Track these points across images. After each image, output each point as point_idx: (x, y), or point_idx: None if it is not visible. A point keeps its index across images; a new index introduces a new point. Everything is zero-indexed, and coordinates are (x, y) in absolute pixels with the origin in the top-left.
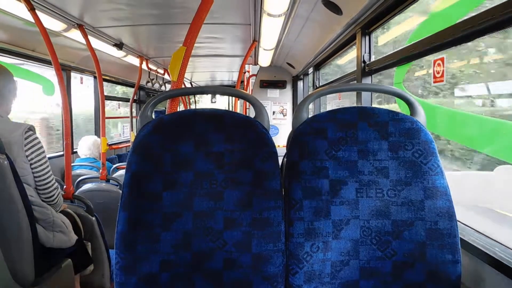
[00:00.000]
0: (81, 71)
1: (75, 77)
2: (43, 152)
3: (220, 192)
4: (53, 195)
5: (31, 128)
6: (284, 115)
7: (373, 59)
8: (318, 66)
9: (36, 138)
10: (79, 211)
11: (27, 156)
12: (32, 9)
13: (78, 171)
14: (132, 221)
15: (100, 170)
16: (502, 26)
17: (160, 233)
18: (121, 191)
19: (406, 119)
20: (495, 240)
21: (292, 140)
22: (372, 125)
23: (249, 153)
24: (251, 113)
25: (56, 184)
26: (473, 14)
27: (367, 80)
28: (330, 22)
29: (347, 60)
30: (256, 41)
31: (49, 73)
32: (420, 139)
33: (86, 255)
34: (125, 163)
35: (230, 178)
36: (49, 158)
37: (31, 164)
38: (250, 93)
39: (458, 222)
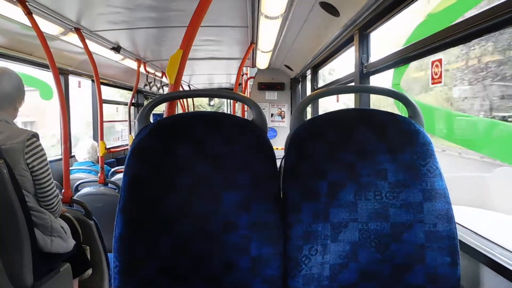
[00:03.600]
0: (79, 75)
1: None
2: (45, 160)
3: (219, 195)
4: (53, 202)
5: (34, 135)
6: (282, 118)
7: (371, 60)
8: (316, 68)
9: (39, 145)
10: (78, 215)
11: (28, 164)
12: (29, 13)
13: (76, 175)
14: (131, 224)
15: (99, 174)
16: (499, 27)
17: (159, 236)
18: (119, 195)
19: (404, 121)
20: (494, 242)
21: (290, 142)
22: (370, 127)
23: (247, 156)
24: (249, 116)
25: (57, 191)
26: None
27: (365, 82)
28: (328, 23)
29: None
30: (253, 43)
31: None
32: (418, 141)
33: (85, 259)
34: (123, 166)
35: (228, 181)
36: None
37: (32, 172)
38: (248, 95)
39: (457, 224)
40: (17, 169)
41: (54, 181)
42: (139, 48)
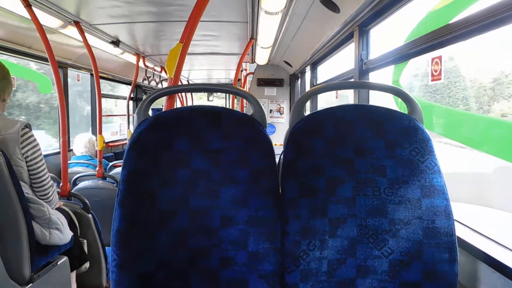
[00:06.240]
0: (78, 68)
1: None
2: (39, 149)
3: (217, 190)
4: (48, 192)
5: (27, 125)
6: (281, 114)
7: (370, 57)
8: (315, 64)
9: (32, 135)
10: (75, 209)
11: (23, 154)
12: (28, 6)
13: (74, 169)
14: (129, 218)
15: (97, 168)
16: (499, 24)
17: (156, 231)
18: (117, 189)
19: (403, 117)
20: (491, 239)
21: (289, 138)
22: (369, 123)
23: (246, 151)
24: (248, 112)
25: (51, 182)
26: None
27: (364, 78)
28: (328, 20)
29: None
30: (253, 39)
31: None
32: (417, 137)
33: (82, 253)
34: (121, 160)
35: (226, 176)
36: (46, 155)
37: (26, 162)
38: (247, 91)
39: (455, 221)
40: (13, 159)
41: (48, 173)
42: (139, 42)
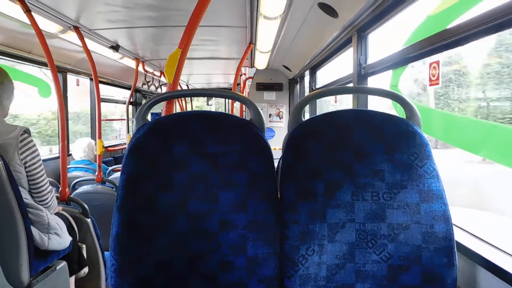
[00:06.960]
0: (77, 73)
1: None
2: (38, 155)
3: (215, 194)
4: (47, 198)
5: (26, 131)
6: (280, 118)
7: (369, 62)
8: (314, 69)
9: (32, 141)
10: (75, 213)
11: (21, 159)
12: (28, 11)
13: (73, 173)
14: (127, 223)
15: (96, 172)
16: (498, 29)
17: (156, 235)
18: (116, 194)
19: (402, 122)
20: (490, 244)
21: (288, 142)
22: (368, 127)
23: (244, 155)
24: (248, 117)
25: (50, 187)
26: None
27: (363, 83)
28: (326, 25)
29: None
30: (252, 43)
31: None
32: (415, 142)
33: (81, 257)
34: (121, 165)
35: (225, 180)
36: (45, 160)
37: (25, 167)
38: (247, 95)
39: (453, 226)
40: (12, 165)
41: (47, 178)
42: (138, 47)
